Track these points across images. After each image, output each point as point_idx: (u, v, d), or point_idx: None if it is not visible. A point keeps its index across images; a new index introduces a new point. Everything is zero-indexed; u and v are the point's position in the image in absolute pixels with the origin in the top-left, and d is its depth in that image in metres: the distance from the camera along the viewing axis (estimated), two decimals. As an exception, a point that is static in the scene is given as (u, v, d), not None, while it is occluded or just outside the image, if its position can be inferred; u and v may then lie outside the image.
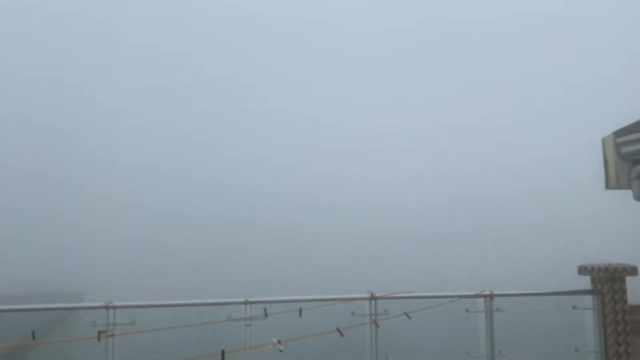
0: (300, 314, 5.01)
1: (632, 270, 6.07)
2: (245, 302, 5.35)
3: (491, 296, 5.92)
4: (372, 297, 5.64)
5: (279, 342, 3.85)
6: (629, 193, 6.65)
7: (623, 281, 6.07)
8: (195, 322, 5.29)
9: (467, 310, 5.92)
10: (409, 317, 5.06)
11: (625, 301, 6.02)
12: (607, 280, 6.04)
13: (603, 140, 6.72)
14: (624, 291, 6.04)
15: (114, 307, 5.09)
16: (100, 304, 5.09)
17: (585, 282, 6.33)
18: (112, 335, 4.74)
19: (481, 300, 5.98)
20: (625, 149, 6.53)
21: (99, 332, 4.41)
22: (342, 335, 4.36)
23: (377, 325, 5.34)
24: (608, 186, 6.73)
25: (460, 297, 5.74)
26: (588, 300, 6.19)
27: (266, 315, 4.97)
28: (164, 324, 5.22)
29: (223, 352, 3.63)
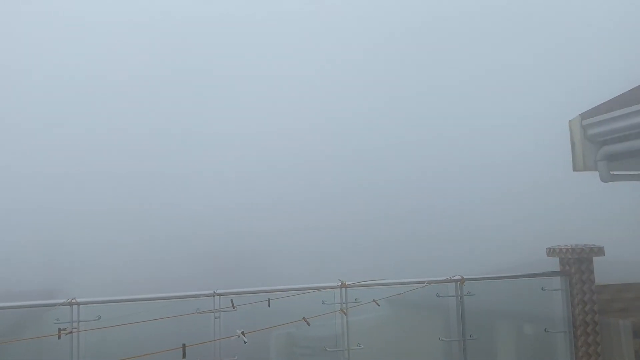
0: (269, 305, 4.96)
1: (599, 251, 6.15)
2: (214, 294, 5.28)
3: (462, 281, 5.94)
4: (343, 286, 5.61)
5: (242, 333, 3.79)
6: (596, 175, 6.71)
7: (590, 262, 6.14)
8: (163, 316, 5.20)
9: (438, 295, 5.95)
10: (378, 304, 5.05)
11: (592, 281, 6.10)
12: (575, 261, 6.10)
13: (570, 122, 6.75)
14: (591, 271, 6.12)
15: (77, 304, 4.97)
16: (63, 300, 4.97)
17: (554, 264, 6.40)
18: (71, 332, 4.62)
19: (452, 285, 6.00)
20: (591, 131, 6.57)
21: (59, 330, 4.30)
22: (308, 324, 4.32)
23: (345, 314, 5.31)
24: (575, 168, 6.79)
25: (430, 282, 5.75)
26: (557, 281, 6.25)
27: (234, 307, 4.90)
28: (131, 319, 5.12)
29: (184, 346, 3.56)
